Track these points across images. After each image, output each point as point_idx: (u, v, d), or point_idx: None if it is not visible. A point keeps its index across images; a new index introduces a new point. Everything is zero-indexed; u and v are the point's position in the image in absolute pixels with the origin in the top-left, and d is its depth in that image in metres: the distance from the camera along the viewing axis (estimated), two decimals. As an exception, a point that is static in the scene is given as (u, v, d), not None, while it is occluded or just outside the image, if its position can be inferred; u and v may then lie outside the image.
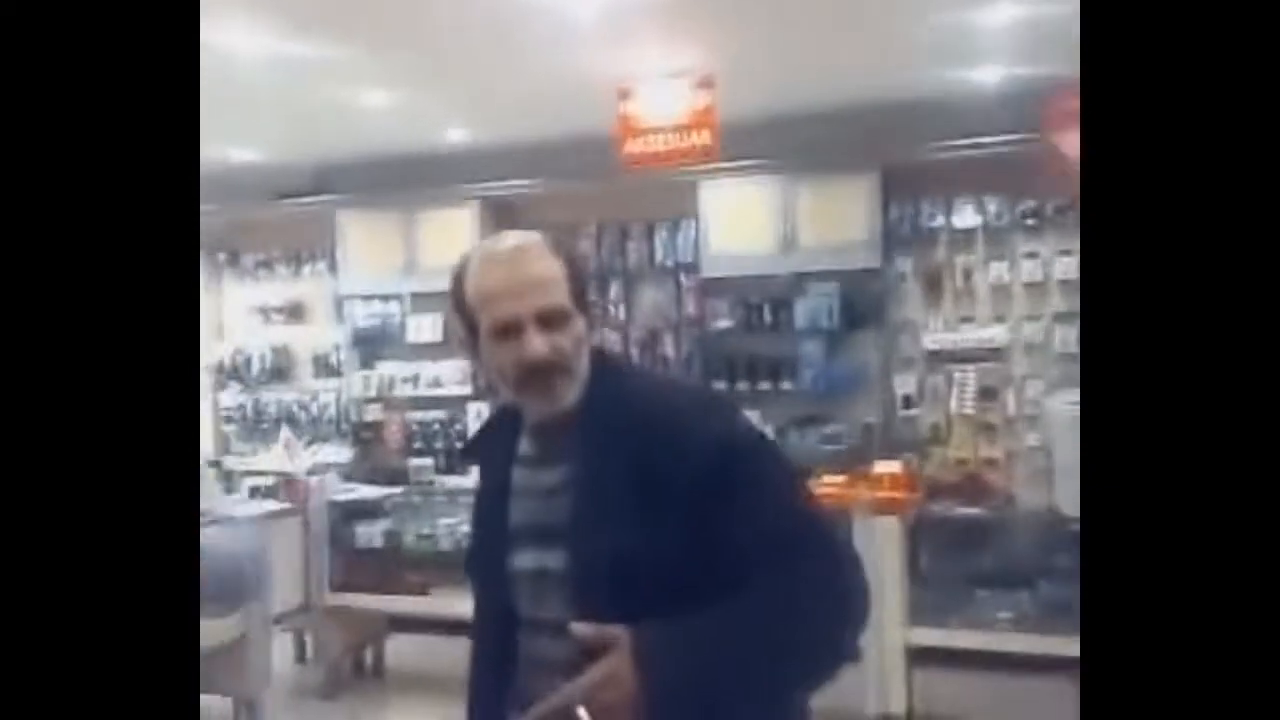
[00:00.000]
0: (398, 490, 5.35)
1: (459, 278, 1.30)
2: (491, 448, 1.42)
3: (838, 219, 5.08)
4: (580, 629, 1.12)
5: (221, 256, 6.59)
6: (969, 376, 4.88)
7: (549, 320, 1.23)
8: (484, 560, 1.37)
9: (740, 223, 5.26)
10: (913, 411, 5.11)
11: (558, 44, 3.91)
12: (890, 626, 3.76)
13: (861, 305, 5.19)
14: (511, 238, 1.30)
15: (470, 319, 1.28)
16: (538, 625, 1.29)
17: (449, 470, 5.70)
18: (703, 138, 4.09)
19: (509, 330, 1.22)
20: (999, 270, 5.00)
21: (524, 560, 1.31)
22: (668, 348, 5.65)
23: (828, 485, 4.26)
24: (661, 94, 4.20)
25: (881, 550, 3.78)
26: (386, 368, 6.06)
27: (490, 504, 1.38)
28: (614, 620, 1.12)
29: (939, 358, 5.04)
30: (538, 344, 1.21)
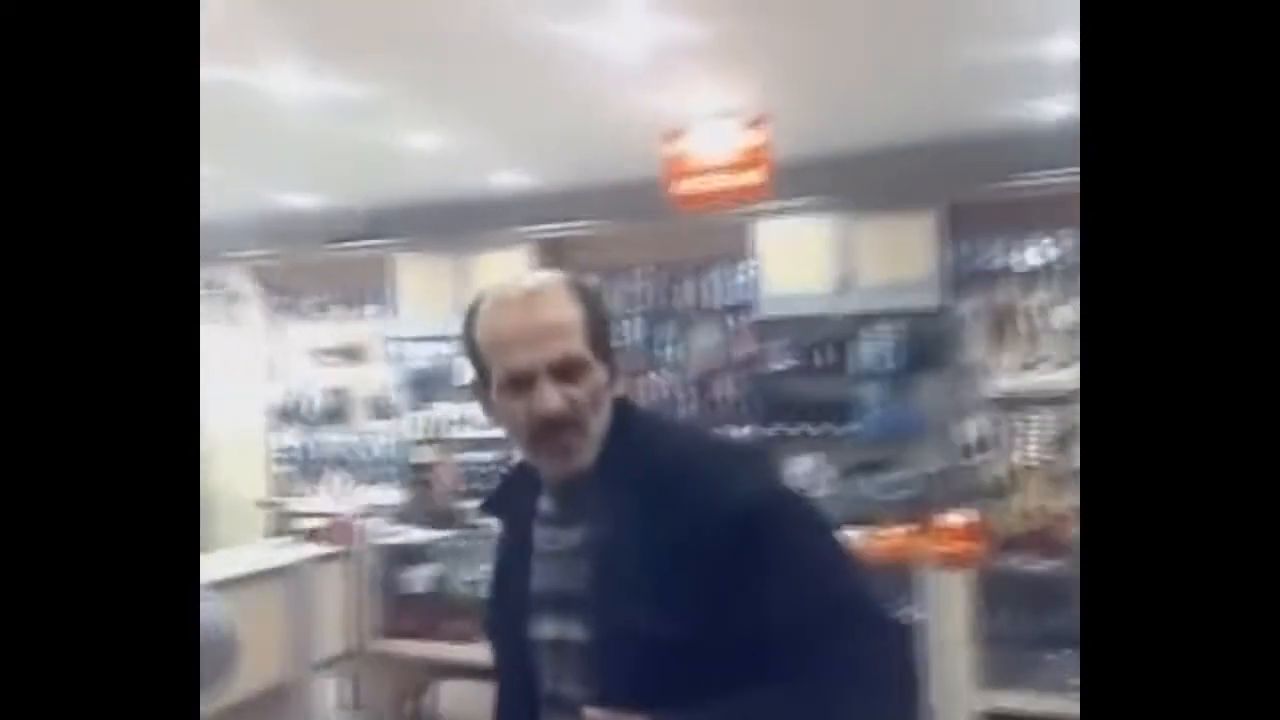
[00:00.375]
0: (446, 534, 5.27)
1: (470, 321, 1.19)
2: (512, 502, 1.31)
3: (898, 258, 4.91)
4: (593, 715, 0.99)
5: (279, 300, 6.67)
6: (1041, 422, 4.64)
7: (564, 371, 1.13)
8: (504, 625, 1.26)
9: (797, 262, 5.12)
10: (976, 460, 4.88)
11: (607, 85, 3.86)
12: (957, 689, 3.55)
13: (923, 347, 5.00)
14: (527, 279, 1.19)
15: (481, 366, 1.18)
16: (558, 702, 1.17)
17: (498, 515, 5.62)
18: (755, 177, 3.99)
19: (521, 382, 1.13)
20: (1065, 312, 4.77)
21: (545, 629, 1.19)
22: (723, 390, 5.52)
23: (890, 536, 4.07)
24: (712, 134, 4.11)
25: (948, 608, 3.60)
26: (438, 409, 6.03)
27: (511, 564, 1.27)
28: (636, 701, 0.99)
29: (1006, 404, 4.82)
30: (550, 397, 1.11)
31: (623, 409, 1.21)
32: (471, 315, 1.20)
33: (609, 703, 1.02)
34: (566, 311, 1.15)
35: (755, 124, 4.00)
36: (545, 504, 1.23)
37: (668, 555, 1.07)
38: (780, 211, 5.04)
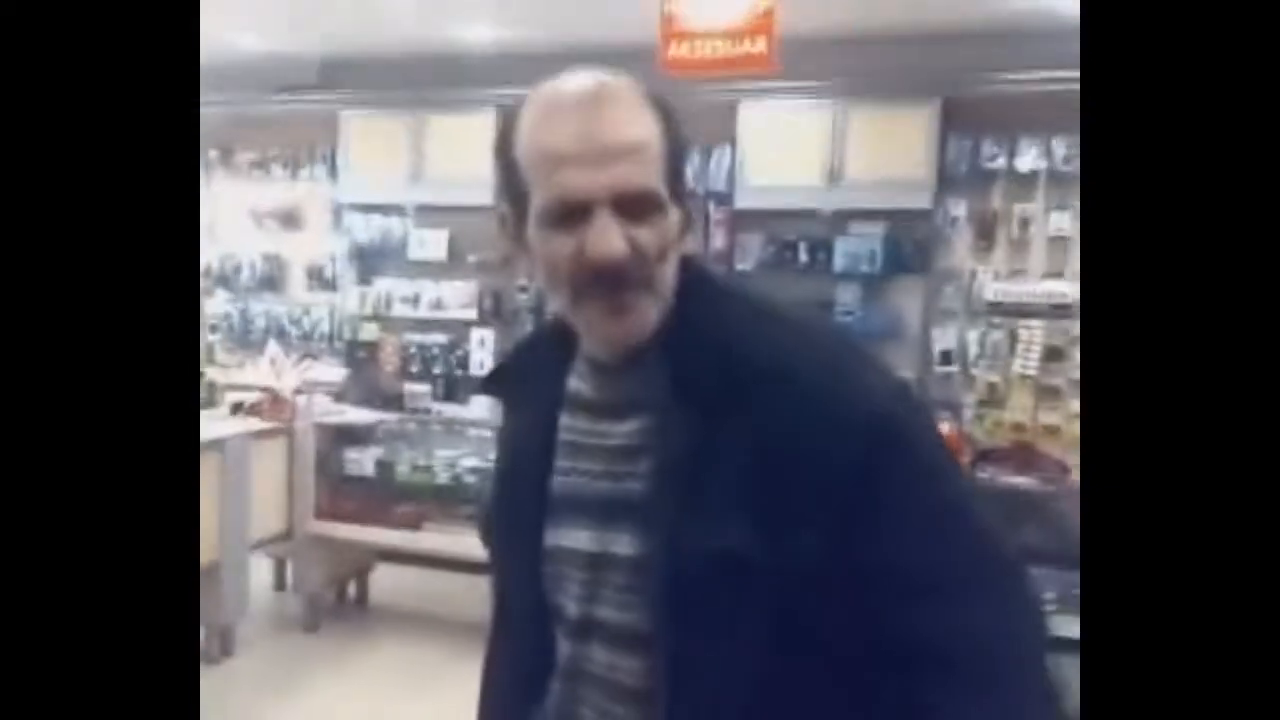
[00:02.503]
0: (392, 417, 5.01)
1: (509, 125, 0.91)
2: (527, 380, 1.04)
3: (890, 152, 4.63)
4: None
5: (214, 153, 6.12)
6: (1028, 333, 4.48)
7: (632, 206, 0.85)
8: (513, 533, 0.99)
9: (782, 150, 4.81)
10: (950, 368, 4.74)
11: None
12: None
13: (907, 249, 4.78)
14: (589, 75, 0.88)
15: (516, 187, 0.90)
16: (588, 627, 0.92)
17: (448, 398, 5.35)
18: (758, 45, 3.63)
19: (573, 213, 0.85)
20: (1060, 220, 4.58)
21: (571, 538, 0.94)
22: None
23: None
24: (714, -8, 3.72)
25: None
26: (385, 284, 5.65)
27: (522, 458, 1.00)
28: (695, 633, 0.84)
29: (991, 312, 4.65)
30: (611, 237, 0.84)
31: (693, 270, 0.93)
32: (509, 123, 0.91)
33: (661, 632, 0.86)
34: (643, 127, 0.87)
35: (763, -15, 3.62)
36: (579, 384, 0.97)
37: (760, 462, 0.84)
38: (767, 92, 4.70)
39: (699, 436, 0.86)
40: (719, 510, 0.84)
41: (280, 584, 4.89)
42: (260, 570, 4.62)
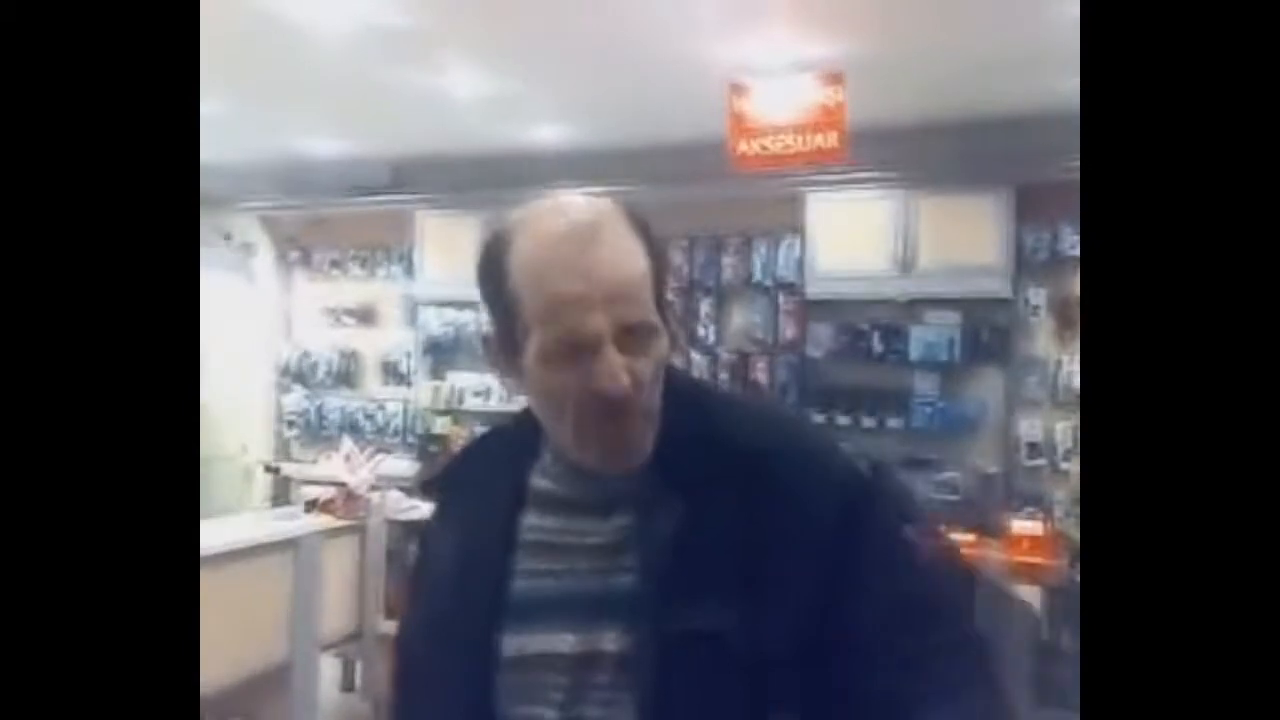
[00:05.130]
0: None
1: (496, 259, 0.88)
2: (475, 482, 1.00)
3: (963, 240, 4.56)
4: None
5: (293, 254, 6.33)
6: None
7: (632, 338, 0.85)
8: (463, 637, 0.92)
9: (852, 239, 4.77)
10: (1039, 461, 4.55)
11: (667, 34, 3.50)
12: (1020, 711, 3.25)
13: (986, 337, 4.66)
14: (578, 207, 0.87)
15: (512, 321, 0.88)
16: None
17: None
18: (829, 140, 3.62)
19: (577, 348, 0.84)
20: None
21: (549, 643, 0.90)
22: (759, 373, 5.18)
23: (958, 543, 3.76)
24: (783, 90, 3.73)
25: (1010, 622, 3.30)
26: (458, 378, 5.70)
27: (472, 562, 0.94)
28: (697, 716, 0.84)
29: (1075, 403, 4.47)
30: (618, 372, 0.84)
31: (670, 378, 0.93)
32: (498, 251, 0.88)
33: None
34: (637, 258, 0.87)
35: (832, 80, 3.62)
36: (547, 483, 0.95)
37: (748, 550, 0.86)
38: (838, 183, 4.68)
39: (685, 522, 0.87)
40: (711, 597, 0.85)
41: (349, 684, 4.82)
42: (328, 669, 4.56)
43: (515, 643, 0.90)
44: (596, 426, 0.87)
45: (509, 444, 0.99)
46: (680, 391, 0.93)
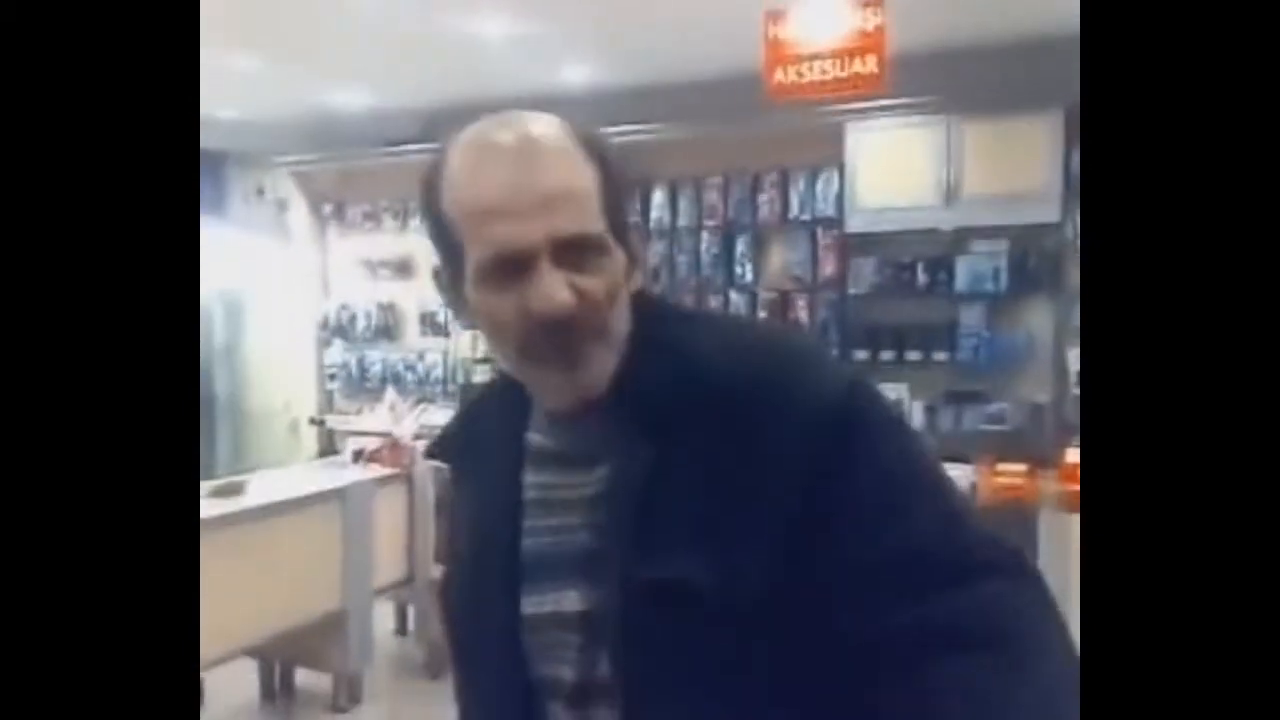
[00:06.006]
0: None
1: (432, 181, 0.84)
2: (480, 442, 0.97)
3: (1011, 166, 4.41)
4: None
5: (327, 208, 6.33)
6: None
7: (574, 254, 0.81)
8: (483, 609, 0.91)
9: (894, 170, 4.64)
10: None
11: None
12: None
13: (1033, 265, 4.54)
14: (516, 123, 0.83)
15: (448, 242, 0.85)
16: (587, 691, 0.86)
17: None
18: (868, 65, 3.50)
19: (512, 266, 0.80)
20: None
21: (558, 601, 0.87)
22: (800, 312, 5.10)
23: (1004, 475, 3.70)
24: (820, 14, 3.61)
25: (1065, 553, 3.25)
26: (496, 327, 5.70)
27: (487, 525, 0.93)
28: (663, 684, 0.80)
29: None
30: (556, 288, 0.80)
31: (644, 306, 0.89)
32: (434, 174, 0.85)
33: (625, 686, 0.82)
34: (577, 171, 0.82)
35: (871, 3, 3.49)
36: (540, 438, 0.92)
37: (728, 492, 0.80)
38: (878, 111, 4.55)
39: (671, 472, 0.81)
40: (691, 547, 0.79)
41: (402, 629, 4.91)
42: (382, 616, 4.65)
43: (530, 602, 0.88)
44: (540, 353, 0.82)
45: (505, 400, 0.95)
46: (656, 323, 0.88)
